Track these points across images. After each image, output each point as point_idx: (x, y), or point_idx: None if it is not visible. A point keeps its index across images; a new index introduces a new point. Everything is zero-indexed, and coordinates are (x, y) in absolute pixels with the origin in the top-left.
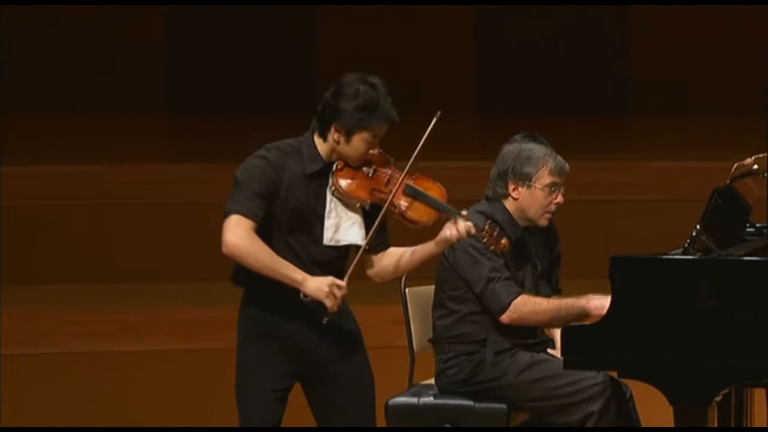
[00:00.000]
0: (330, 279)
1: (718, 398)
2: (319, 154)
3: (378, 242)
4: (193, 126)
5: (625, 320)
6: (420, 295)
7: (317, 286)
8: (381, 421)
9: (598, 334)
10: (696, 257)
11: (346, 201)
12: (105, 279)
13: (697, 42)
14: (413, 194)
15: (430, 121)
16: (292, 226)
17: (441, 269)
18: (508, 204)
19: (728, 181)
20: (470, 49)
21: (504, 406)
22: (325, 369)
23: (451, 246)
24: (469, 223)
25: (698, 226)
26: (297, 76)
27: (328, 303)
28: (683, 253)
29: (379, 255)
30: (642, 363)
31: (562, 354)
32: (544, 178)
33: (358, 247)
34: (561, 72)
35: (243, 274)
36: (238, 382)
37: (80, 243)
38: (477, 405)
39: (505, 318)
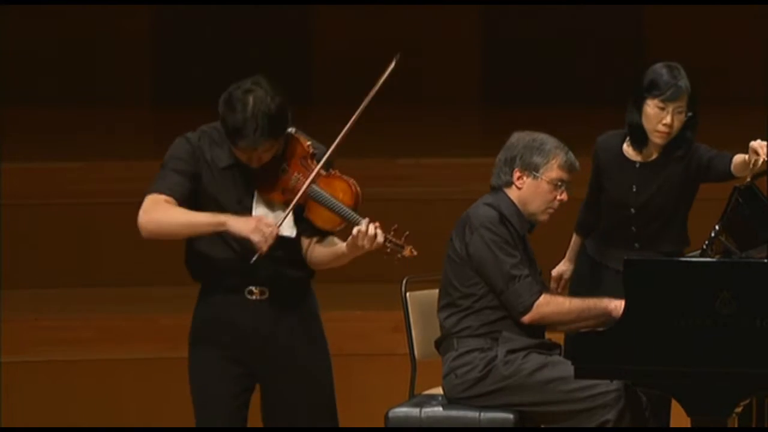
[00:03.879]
0: (256, 216)
1: (738, 409)
2: None
3: (304, 229)
4: (180, 121)
5: (640, 326)
6: (421, 300)
7: (243, 221)
8: None
9: (610, 342)
10: (715, 260)
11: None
12: (86, 283)
13: (711, 37)
14: (316, 198)
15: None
16: (237, 240)
17: (451, 266)
18: (512, 194)
19: (749, 179)
20: (475, 43)
21: (511, 416)
22: (277, 362)
23: (364, 253)
24: (373, 232)
25: (717, 227)
26: (290, 71)
27: (255, 238)
28: (701, 256)
29: (308, 241)
30: (657, 372)
31: (572, 362)
32: (552, 171)
33: (289, 239)
34: (569, 66)
35: (189, 262)
36: (192, 389)
37: (59, 244)
38: (482, 415)
39: (526, 318)
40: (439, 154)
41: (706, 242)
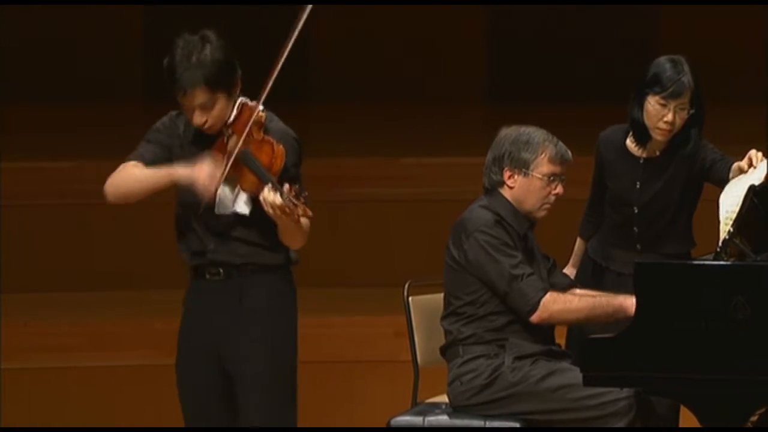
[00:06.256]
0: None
1: (753, 418)
2: None
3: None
4: None
5: (651, 332)
6: (424, 305)
7: (190, 167)
8: None
9: (620, 348)
10: (729, 263)
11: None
12: (77, 287)
13: (711, 36)
14: (246, 162)
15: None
16: (187, 196)
17: (450, 274)
18: (506, 193)
19: (765, 179)
20: (480, 42)
21: (517, 424)
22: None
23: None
24: (269, 194)
25: (731, 229)
26: (289, 71)
27: (200, 180)
28: (715, 259)
29: None
30: (669, 379)
31: (581, 369)
32: (542, 166)
33: (243, 216)
34: (574, 65)
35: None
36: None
37: (50, 247)
38: (488, 424)
39: (534, 318)
40: (442, 153)
41: (720, 244)
